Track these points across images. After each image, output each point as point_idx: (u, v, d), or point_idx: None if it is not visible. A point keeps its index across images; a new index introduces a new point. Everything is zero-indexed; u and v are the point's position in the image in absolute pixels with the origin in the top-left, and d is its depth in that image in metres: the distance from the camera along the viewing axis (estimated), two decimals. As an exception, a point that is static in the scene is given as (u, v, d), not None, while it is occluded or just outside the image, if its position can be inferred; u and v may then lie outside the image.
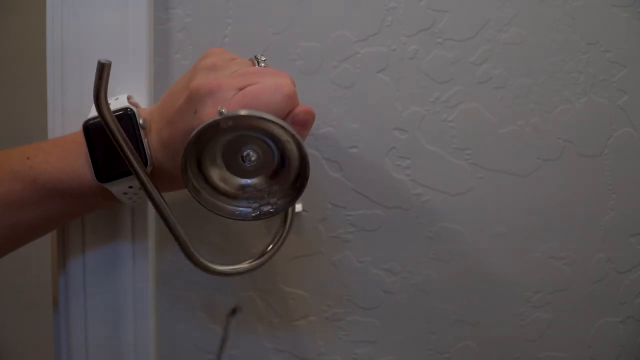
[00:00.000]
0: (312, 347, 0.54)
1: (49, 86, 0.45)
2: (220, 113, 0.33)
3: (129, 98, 0.41)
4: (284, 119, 0.36)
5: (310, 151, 0.52)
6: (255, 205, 0.38)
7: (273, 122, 0.34)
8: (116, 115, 0.37)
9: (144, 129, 0.38)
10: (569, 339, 0.57)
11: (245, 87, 0.36)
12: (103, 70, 0.35)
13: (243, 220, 0.39)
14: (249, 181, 0.38)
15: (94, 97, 0.35)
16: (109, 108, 0.36)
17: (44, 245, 0.48)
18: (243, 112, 0.34)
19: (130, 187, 0.39)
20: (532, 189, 0.54)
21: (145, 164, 0.38)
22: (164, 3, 0.49)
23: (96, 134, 0.38)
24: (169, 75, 0.50)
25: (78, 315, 0.47)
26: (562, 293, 0.56)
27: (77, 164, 0.39)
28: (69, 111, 0.45)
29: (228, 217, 0.39)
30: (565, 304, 0.56)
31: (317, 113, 0.52)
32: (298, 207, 0.52)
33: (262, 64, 0.39)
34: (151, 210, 0.48)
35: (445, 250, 0.54)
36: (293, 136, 0.35)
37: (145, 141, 0.38)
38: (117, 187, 0.39)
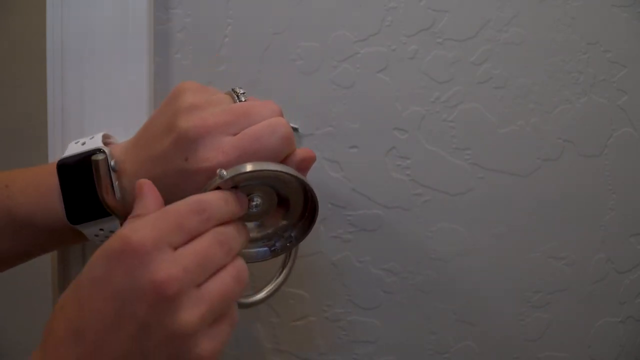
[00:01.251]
0: (312, 347, 0.54)
1: (49, 86, 0.45)
2: (221, 176, 0.32)
3: (104, 137, 0.40)
4: (284, 160, 0.35)
5: (310, 151, 0.52)
6: (271, 242, 0.39)
7: (275, 170, 0.34)
8: (83, 155, 0.37)
9: (115, 171, 0.37)
10: (569, 339, 0.57)
11: (235, 128, 0.34)
12: (98, 167, 0.34)
13: (263, 260, 0.39)
14: (258, 223, 0.38)
15: (97, 191, 0.35)
16: (114, 198, 0.35)
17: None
18: (247, 168, 0.33)
19: (101, 229, 0.38)
20: (532, 189, 0.54)
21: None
22: (164, 3, 0.49)
23: (69, 175, 0.37)
24: (169, 75, 0.50)
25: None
26: (562, 293, 0.56)
27: (52, 198, 0.38)
28: (69, 111, 0.45)
29: (249, 262, 0.38)
30: (565, 304, 0.56)
31: (317, 113, 0.52)
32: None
33: (243, 98, 0.38)
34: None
35: (445, 250, 0.54)
36: (296, 177, 0.34)
37: (116, 184, 0.37)
38: (89, 230, 0.38)
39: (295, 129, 0.51)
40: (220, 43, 0.50)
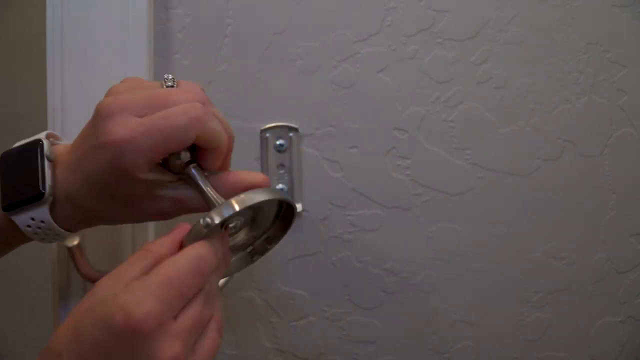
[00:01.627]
0: (312, 347, 0.54)
1: (49, 86, 0.45)
2: (207, 225, 0.31)
3: (52, 137, 0.40)
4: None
5: (310, 151, 0.52)
6: (250, 248, 0.39)
7: (260, 202, 0.33)
8: (25, 145, 0.38)
9: (50, 160, 0.37)
10: (569, 339, 0.57)
11: (150, 111, 0.34)
12: (72, 251, 0.36)
13: (247, 266, 0.39)
14: (236, 236, 0.38)
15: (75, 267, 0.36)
16: (90, 268, 0.37)
17: (45, 245, 0.48)
18: (233, 210, 0.32)
19: (32, 219, 0.38)
20: (532, 189, 0.54)
21: (44, 191, 0.37)
22: (164, 3, 0.49)
23: (9, 163, 0.38)
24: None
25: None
26: (562, 293, 0.56)
27: None
28: (69, 111, 0.45)
29: (235, 273, 0.39)
30: (565, 304, 0.56)
31: (317, 113, 0.52)
32: (298, 207, 0.52)
33: (169, 83, 0.38)
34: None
35: (445, 250, 0.54)
36: (279, 200, 0.34)
37: (48, 172, 0.37)
38: (20, 218, 0.38)
39: (295, 129, 0.52)
40: (220, 43, 0.50)
